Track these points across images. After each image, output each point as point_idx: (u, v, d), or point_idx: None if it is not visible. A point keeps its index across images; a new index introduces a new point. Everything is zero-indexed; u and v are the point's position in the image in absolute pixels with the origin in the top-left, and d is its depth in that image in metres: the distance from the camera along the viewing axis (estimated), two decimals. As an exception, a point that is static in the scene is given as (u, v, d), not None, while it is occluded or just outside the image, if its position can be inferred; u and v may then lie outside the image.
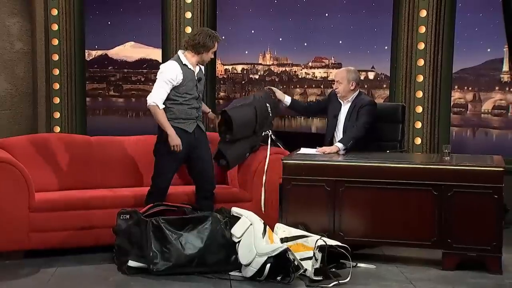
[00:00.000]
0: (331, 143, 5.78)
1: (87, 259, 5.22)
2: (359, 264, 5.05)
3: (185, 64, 5.27)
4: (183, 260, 4.80)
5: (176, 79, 5.21)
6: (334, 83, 5.91)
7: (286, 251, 4.67)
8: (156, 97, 5.18)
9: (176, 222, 4.90)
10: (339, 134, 5.81)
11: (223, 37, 7.55)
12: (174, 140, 5.18)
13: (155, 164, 5.36)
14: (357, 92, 5.84)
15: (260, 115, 5.72)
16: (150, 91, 5.26)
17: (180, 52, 5.34)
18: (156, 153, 5.35)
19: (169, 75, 5.19)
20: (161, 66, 5.33)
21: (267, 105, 5.80)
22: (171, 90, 5.21)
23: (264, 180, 5.61)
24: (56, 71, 7.57)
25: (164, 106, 5.21)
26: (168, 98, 5.23)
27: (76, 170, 5.74)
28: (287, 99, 6.01)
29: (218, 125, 5.64)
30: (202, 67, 5.49)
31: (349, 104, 5.81)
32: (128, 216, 4.98)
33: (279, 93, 6.00)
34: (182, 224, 4.91)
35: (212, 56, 5.43)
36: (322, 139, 5.98)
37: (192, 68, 5.31)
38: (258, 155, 5.79)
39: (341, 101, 5.87)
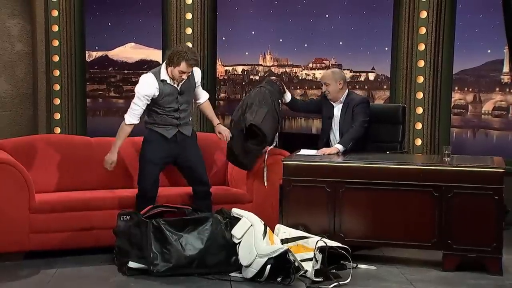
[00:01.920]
0: (326, 144, 5.79)
1: (87, 260, 5.22)
2: (359, 265, 5.05)
3: (163, 80, 5.19)
4: (183, 261, 4.80)
5: (150, 95, 5.18)
6: (322, 86, 5.86)
7: (286, 252, 4.66)
8: (129, 113, 5.24)
9: (177, 223, 4.90)
10: (335, 135, 5.81)
11: (223, 38, 7.62)
12: (108, 156, 5.31)
13: (138, 167, 5.40)
14: (346, 91, 5.84)
15: (280, 115, 5.70)
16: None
17: (163, 65, 5.24)
18: (140, 155, 5.42)
19: (142, 92, 5.17)
20: (140, 79, 5.23)
21: (279, 101, 5.77)
22: (150, 101, 5.21)
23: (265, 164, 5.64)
24: (57, 72, 7.57)
25: (137, 122, 5.26)
26: (148, 107, 5.25)
27: (77, 171, 5.74)
28: (288, 95, 5.96)
29: (246, 137, 5.51)
30: (196, 74, 5.39)
31: (341, 105, 5.80)
32: (128, 217, 4.98)
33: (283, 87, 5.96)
34: (182, 225, 4.91)
35: (181, 76, 5.14)
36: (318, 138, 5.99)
37: (170, 82, 5.21)
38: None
39: (332, 103, 5.86)
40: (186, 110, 5.35)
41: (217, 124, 5.55)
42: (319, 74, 7.60)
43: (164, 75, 5.19)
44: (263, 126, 5.43)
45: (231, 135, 5.51)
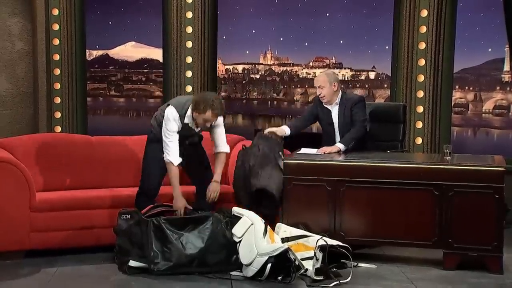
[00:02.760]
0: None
1: (88, 259, 5.21)
2: (360, 264, 5.05)
3: (186, 123, 5.19)
4: (184, 260, 4.80)
5: (177, 133, 5.16)
6: (317, 90, 5.77)
7: (287, 251, 4.66)
8: (170, 154, 5.13)
9: (177, 222, 4.90)
10: (338, 138, 5.77)
11: (224, 37, 7.63)
12: (176, 205, 5.16)
13: (142, 165, 5.40)
14: (340, 92, 5.80)
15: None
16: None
17: (189, 108, 5.16)
18: (144, 155, 5.40)
19: (172, 129, 5.13)
20: (166, 115, 5.14)
21: (280, 153, 5.50)
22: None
23: None
24: (57, 71, 7.57)
25: (178, 162, 5.16)
26: (159, 125, 5.21)
27: (77, 170, 5.74)
28: (287, 131, 5.78)
29: (258, 203, 5.35)
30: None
31: (337, 106, 5.76)
32: (129, 216, 4.98)
33: (279, 131, 5.73)
34: (183, 224, 4.91)
35: (204, 123, 5.13)
36: (319, 138, 5.97)
37: (192, 126, 5.21)
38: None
39: (328, 106, 5.79)
40: (197, 137, 5.35)
41: (214, 181, 5.34)
42: (319, 72, 7.60)
43: (188, 119, 5.17)
44: (270, 188, 5.27)
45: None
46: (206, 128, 5.27)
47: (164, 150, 5.17)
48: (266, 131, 5.69)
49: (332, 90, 5.71)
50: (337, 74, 6.88)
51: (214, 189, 5.29)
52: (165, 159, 5.17)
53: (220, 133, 5.36)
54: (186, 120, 5.18)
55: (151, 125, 5.36)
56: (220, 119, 5.30)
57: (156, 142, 5.29)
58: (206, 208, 5.20)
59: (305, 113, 6.05)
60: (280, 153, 5.46)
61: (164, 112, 5.19)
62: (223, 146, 5.39)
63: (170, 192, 5.44)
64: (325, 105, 5.80)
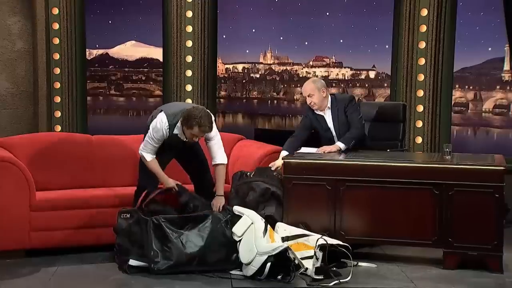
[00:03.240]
0: None
1: (88, 258, 5.22)
2: (360, 263, 5.05)
3: (175, 134, 5.18)
4: (184, 259, 4.80)
5: (161, 139, 5.18)
6: (306, 99, 5.71)
7: (286, 250, 4.67)
8: (144, 149, 5.21)
9: (177, 221, 4.90)
10: (337, 141, 5.75)
11: (224, 36, 7.62)
12: (168, 182, 5.23)
13: (139, 164, 5.37)
14: (330, 96, 5.77)
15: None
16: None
17: (179, 122, 5.15)
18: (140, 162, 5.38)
19: (156, 135, 5.15)
20: (157, 119, 5.16)
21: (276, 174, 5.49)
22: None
23: None
24: (57, 70, 7.57)
25: (154, 156, 5.22)
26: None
27: (77, 169, 5.74)
28: (284, 153, 5.65)
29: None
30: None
31: (330, 111, 5.74)
32: (128, 215, 4.98)
33: (278, 162, 5.57)
34: (182, 222, 4.91)
35: (192, 138, 5.11)
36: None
37: (181, 137, 5.20)
38: (258, 153, 5.79)
39: (320, 113, 5.75)
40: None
41: (217, 195, 5.30)
42: (319, 72, 7.60)
43: (177, 130, 5.17)
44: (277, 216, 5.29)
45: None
46: (194, 142, 5.25)
47: (142, 144, 5.22)
48: (273, 168, 5.54)
49: (321, 97, 5.68)
50: (322, 78, 6.84)
51: (217, 204, 5.24)
52: (139, 151, 5.23)
53: (215, 145, 5.30)
54: (175, 131, 5.17)
55: (148, 125, 5.32)
56: (214, 131, 5.25)
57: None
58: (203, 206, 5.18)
59: (300, 129, 5.91)
60: (277, 174, 5.45)
61: (156, 116, 5.19)
62: (219, 157, 5.32)
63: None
64: (317, 112, 5.77)
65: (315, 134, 5.88)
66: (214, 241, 4.86)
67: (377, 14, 7.33)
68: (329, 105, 5.73)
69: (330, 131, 5.76)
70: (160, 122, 5.13)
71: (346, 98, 5.78)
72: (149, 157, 5.21)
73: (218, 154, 5.31)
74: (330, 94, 5.80)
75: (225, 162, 5.37)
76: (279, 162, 5.52)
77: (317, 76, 7.48)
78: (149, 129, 5.22)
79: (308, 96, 5.70)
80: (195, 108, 5.14)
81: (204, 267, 4.83)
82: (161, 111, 5.22)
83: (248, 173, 5.52)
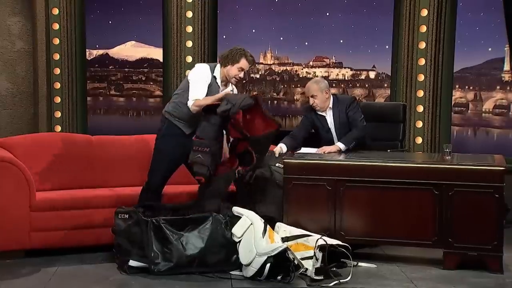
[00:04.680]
0: None
1: (88, 258, 5.21)
2: (360, 264, 5.04)
3: (214, 76, 5.17)
4: (184, 260, 4.79)
5: (206, 81, 5.12)
6: (309, 99, 5.73)
7: (285, 250, 4.66)
8: (194, 95, 5.06)
9: (177, 222, 4.90)
10: (336, 141, 5.75)
11: (224, 36, 7.63)
12: (217, 97, 5.05)
13: (151, 159, 5.35)
14: (331, 97, 5.78)
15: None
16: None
17: (218, 65, 5.21)
18: (154, 149, 5.34)
19: (202, 72, 5.13)
20: (197, 66, 5.24)
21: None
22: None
23: None
24: (57, 71, 7.58)
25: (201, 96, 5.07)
26: (180, 98, 5.17)
27: (77, 170, 5.74)
28: (283, 148, 5.69)
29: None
30: (235, 89, 5.30)
31: (331, 111, 5.74)
32: (126, 216, 4.95)
33: (277, 149, 5.65)
34: (182, 224, 4.90)
35: (239, 74, 5.13)
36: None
37: (218, 83, 5.19)
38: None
39: (322, 113, 5.77)
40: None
41: None
42: (319, 72, 7.61)
43: (217, 73, 5.18)
44: (271, 213, 5.29)
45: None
46: (236, 81, 5.21)
47: (189, 96, 5.06)
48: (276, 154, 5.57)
49: (324, 98, 5.70)
50: (325, 78, 6.84)
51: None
52: (189, 103, 5.06)
53: None
54: (215, 73, 5.16)
55: (166, 113, 5.25)
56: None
57: (170, 135, 5.22)
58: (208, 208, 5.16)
59: (299, 129, 5.92)
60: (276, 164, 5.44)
61: (179, 98, 5.14)
62: None
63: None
64: (318, 112, 5.78)
65: (315, 134, 5.88)
66: (214, 242, 4.86)
67: (377, 14, 7.33)
68: (330, 105, 5.74)
69: (331, 131, 5.77)
70: (199, 66, 5.16)
71: (347, 99, 5.79)
72: (200, 95, 5.02)
73: None
74: (332, 95, 5.81)
75: None
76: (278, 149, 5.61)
77: (317, 77, 7.48)
78: (169, 112, 5.18)
79: (312, 96, 5.71)
80: (232, 47, 5.20)
81: (204, 269, 4.82)
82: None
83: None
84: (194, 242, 4.83)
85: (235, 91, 5.34)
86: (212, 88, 5.15)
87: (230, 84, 5.25)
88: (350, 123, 5.67)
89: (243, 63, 5.12)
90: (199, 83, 5.10)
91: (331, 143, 5.70)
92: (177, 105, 5.20)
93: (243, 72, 5.18)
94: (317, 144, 5.77)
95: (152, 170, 5.30)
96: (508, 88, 7.11)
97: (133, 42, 7.93)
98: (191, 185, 5.52)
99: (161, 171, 5.26)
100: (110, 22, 7.82)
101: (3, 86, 7.21)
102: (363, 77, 7.59)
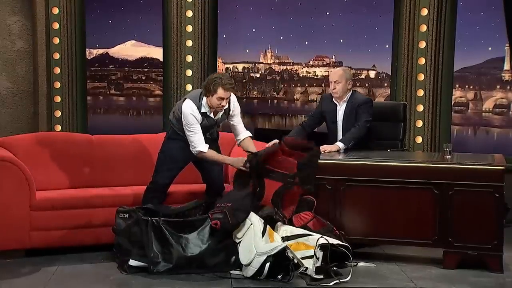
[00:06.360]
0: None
1: (88, 257, 5.21)
2: (360, 263, 5.04)
3: (203, 112, 5.16)
4: (183, 261, 4.79)
5: (197, 124, 5.13)
6: (331, 84, 5.76)
7: (284, 249, 4.66)
8: (196, 145, 5.13)
9: (177, 223, 4.89)
10: (340, 136, 5.76)
11: (224, 36, 7.63)
12: (236, 164, 5.21)
13: (156, 159, 5.39)
14: (351, 92, 5.80)
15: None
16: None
17: (203, 98, 5.14)
18: (160, 149, 5.38)
19: (193, 121, 5.11)
20: (184, 110, 5.11)
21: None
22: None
23: None
24: (57, 70, 7.58)
25: (207, 148, 5.15)
26: (178, 120, 5.20)
27: (77, 169, 5.74)
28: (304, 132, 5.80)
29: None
30: (232, 100, 5.24)
31: (345, 104, 5.76)
32: (127, 215, 4.96)
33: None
34: (182, 225, 4.90)
35: (220, 103, 5.08)
36: (324, 138, 5.96)
37: (210, 115, 5.19)
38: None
39: (336, 102, 5.79)
40: (215, 132, 5.38)
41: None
42: (319, 71, 7.61)
43: (204, 108, 5.16)
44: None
45: None
46: (224, 117, 5.24)
47: (190, 144, 5.15)
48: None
49: (346, 87, 5.72)
50: (322, 78, 6.86)
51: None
52: (193, 151, 5.14)
53: (240, 122, 5.39)
54: (203, 110, 5.15)
55: (172, 123, 5.31)
56: (236, 103, 5.31)
57: (174, 139, 5.28)
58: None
59: (310, 117, 5.99)
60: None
61: (181, 108, 5.17)
62: (244, 131, 5.40)
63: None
64: (334, 101, 5.80)
65: (315, 134, 5.88)
66: (213, 244, 4.86)
67: (377, 13, 7.34)
68: (346, 99, 5.75)
69: (336, 124, 5.77)
70: (188, 108, 5.12)
71: (363, 99, 5.78)
72: (203, 147, 5.14)
73: (243, 129, 5.41)
74: (353, 91, 5.83)
75: (251, 134, 5.44)
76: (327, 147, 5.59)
77: (317, 76, 7.49)
78: (172, 123, 5.23)
79: (335, 82, 5.72)
80: (212, 74, 5.19)
81: (204, 270, 4.81)
82: (185, 99, 5.22)
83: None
84: (193, 243, 4.83)
85: (236, 105, 5.34)
86: (205, 122, 5.19)
87: (227, 103, 5.19)
88: (355, 120, 5.68)
89: (220, 93, 5.03)
90: (193, 131, 5.11)
91: (335, 136, 5.73)
92: (177, 122, 5.25)
93: (224, 101, 5.10)
94: (317, 144, 5.77)
95: (155, 170, 5.36)
96: (508, 87, 7.11)
97: (133, 41, 7.93)
98: (193, 185, 5.56)
99: (165, 173, 5.29)
100: (110, 21, 7.82)
101: (3, 85, 7.21)
102: (363, 76, 7.59)
